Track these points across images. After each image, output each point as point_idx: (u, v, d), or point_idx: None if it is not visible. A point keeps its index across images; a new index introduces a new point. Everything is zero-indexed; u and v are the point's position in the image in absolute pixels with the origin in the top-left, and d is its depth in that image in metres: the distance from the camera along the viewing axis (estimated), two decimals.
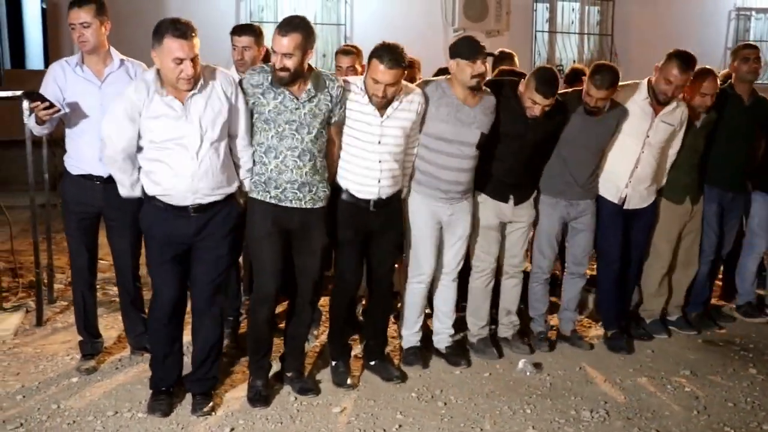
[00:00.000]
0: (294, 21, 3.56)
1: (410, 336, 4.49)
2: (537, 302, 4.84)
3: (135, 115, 3.41)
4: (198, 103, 3.45)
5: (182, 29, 3.28)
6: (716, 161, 5.02)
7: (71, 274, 4.31)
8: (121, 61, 4.05)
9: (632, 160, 4.62)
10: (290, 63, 3.54)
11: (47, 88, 3.97)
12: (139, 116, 3.41)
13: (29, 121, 4.02)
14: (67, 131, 4.05)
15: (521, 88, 4.25)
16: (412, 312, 4.45)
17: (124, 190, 3.66)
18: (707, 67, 4.77)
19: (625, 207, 4.71)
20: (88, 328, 4.29)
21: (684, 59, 4.46)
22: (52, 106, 3.78)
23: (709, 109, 4.80)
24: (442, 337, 4.55)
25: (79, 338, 4.32)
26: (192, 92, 3.42)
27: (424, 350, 4.51)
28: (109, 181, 3.83)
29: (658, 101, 4.56)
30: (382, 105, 3.86)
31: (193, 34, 3.33)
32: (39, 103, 3.77)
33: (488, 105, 4.23)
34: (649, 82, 4.61)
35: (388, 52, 3.71)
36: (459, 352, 4.54)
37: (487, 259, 4.53)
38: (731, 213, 5.25)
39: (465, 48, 4.07)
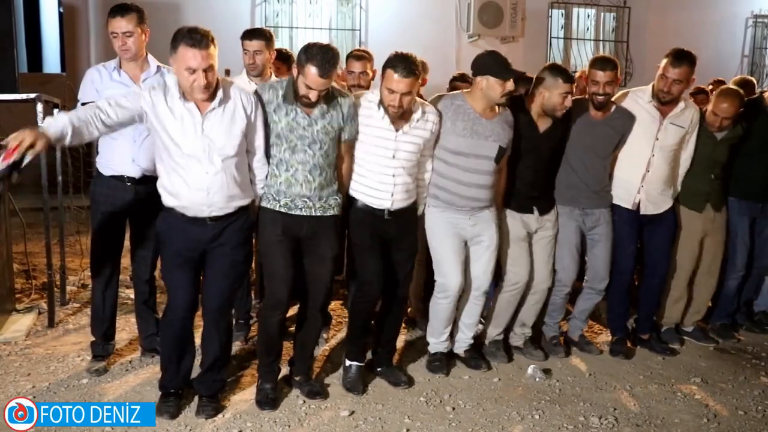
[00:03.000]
0: (333, 58, 3.52)
1: (437, 344, 4.47)
2: (555, 312, 4.82)
3: (127, 104, 3.40)
4: (216, 118, 3.45)
5: (197, 38, 3.27)
6: (745, 173, 4.96)
7: (92, 275, 4.32)
8: (158, 67, 4.09)
9: (643, 164, 4.58)
10: (323, 95, 3.61)
11: (86, 92, 4.06)
12: (141, 116, 3.43)
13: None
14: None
15: (542, 94, 4.24)
16: (438, 323, 4.42)
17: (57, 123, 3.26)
18: (732, 87, 4.70)
19: (641, 212, 4.66)
20: (103, 328, 4.29)
21: (676, 54, 4.45)
22: None
23: (736, 122, 4.74)
24: (462, 344, 4.53)
25: (92, 339, 4.34)
26: (212, 106, 3.43)
27: (450, 357, 4.49)
28: (140, 182, 3.96)
29: (661, 101, 4.53)
30: (398, 116, 3.86)
31: (210, 44, 3.30)
32: None
33: (506, 118, 4.22)
34: (653, 86, 4.59)
35: (402, 62, 3.72)
36: (478, 356, 4.53)
37: (519, 272, 4.47)
38: (763, 224, 5.18)
39: (497, 66, 4.04)
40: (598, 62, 4.45)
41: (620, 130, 4.53)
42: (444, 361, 4.41)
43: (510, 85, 4.05)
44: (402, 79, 3.70)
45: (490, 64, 4.06)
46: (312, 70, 3.49)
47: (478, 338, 4.67)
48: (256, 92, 3.72)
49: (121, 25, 3.92)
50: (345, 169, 3.94)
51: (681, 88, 4.50)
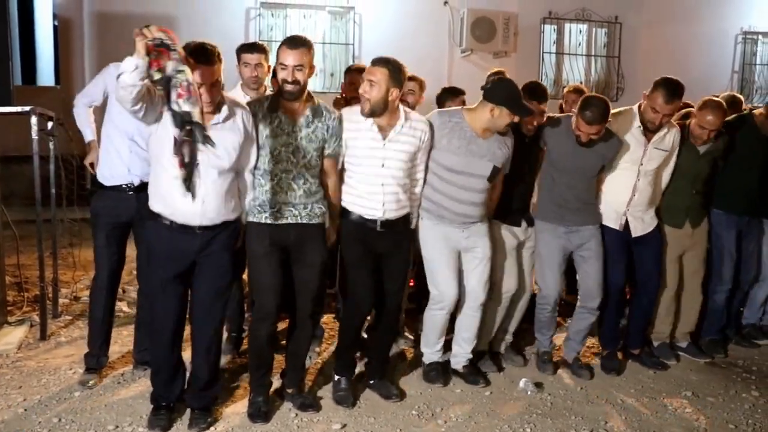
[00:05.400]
0: (301, 37, 3.71)
1: (431, 354, 4.49)
2: (543, 328, 4.78)
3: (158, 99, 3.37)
4: (217, 131, 3.44)
5: (204, 54, 3.33)
6: (729, 187, 4.98)
7: (93, 286, 4.31)
8: None
9: (629, 189, 4.59)
10: (301, 76, 3.65)
11: (104, 81, 4.16)
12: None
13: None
14: (102, 144, 4.14)
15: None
16: (433, 334, 4.44)
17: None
18: (715, 99, 4.67)
19: (633, 235, 4.67)
20: (100, 341, 4.29)
21: (670, 88, 4.34)
22: None
23: (718, 136, 4.73)
24: (460, 359, 4.52)
25: (86, 351, 4.33)
26: (215, 120, 3.47)
27: (446, 366, 4.51)
28: (141, 189, 3.94)
29: (647, 129, 4.51)
30: (376, 117, 3.90)
31: (216, 61, 3.37)
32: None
33: (503, 138, 4.24)
34: (639, 108, 4.54)
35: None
36: (476, 371, 4.51)
37: (510, 282, 4.55)
38: (749, 237, 5.19)
39: (516, 102, 4.06)
40: (587, 112, 4.22)
41: (607, 155, 4.50)
42: (440, 371, 4.42)
43: (517, 118, 4.12)
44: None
45: (510, 98, 4.06)
46: (282, 47, 3.66)
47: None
48: (249, 105, 3.77)
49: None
50: (332, 187, 3.96)
51: (670, 118, 4.50)
